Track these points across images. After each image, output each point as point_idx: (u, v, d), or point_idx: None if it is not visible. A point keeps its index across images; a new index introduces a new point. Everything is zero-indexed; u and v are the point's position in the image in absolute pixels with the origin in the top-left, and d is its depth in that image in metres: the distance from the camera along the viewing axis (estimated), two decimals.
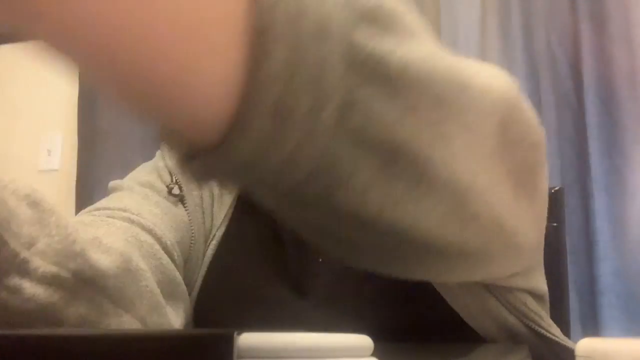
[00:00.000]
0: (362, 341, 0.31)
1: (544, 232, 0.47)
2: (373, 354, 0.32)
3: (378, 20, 0.28)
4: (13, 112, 2.20)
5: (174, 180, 0.64)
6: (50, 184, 2.10)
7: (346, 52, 0.27)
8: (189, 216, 0.63)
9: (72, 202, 1.99)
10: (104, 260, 0.46)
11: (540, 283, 0.57)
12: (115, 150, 1.96)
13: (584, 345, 0.40)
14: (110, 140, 1.98)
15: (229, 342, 0.26)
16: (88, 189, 1.96)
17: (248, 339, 0.26)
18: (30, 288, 0.41)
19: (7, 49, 2.25)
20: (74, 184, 2.01)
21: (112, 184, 0.62)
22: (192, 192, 0.65)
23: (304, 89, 0.25)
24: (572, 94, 1.56)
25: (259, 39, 0.24)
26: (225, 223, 0.65)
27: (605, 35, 1.52)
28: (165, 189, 0.63)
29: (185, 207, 0.63)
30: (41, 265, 0.42)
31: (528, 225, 0.41)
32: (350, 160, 0.28)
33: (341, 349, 0.30)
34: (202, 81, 0.25)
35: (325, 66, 0.26)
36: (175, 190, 0.63)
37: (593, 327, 1.41)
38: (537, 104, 1.55)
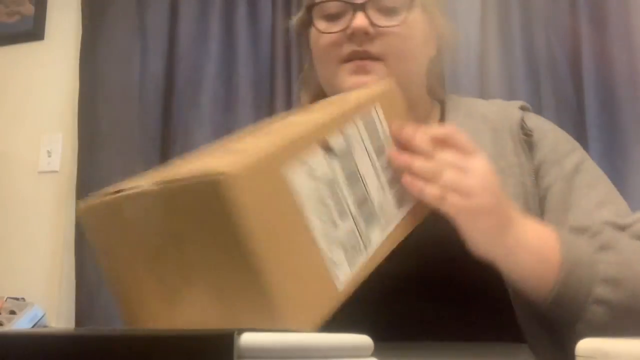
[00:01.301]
0: (362, 341, 0.31)
1: None
2: (373, 354, 0.32)
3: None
4: (13, 113, 2.20)
5: None
6: (51, 185, 2.10)
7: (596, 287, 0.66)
8: None
9: (72, 203, 2.00)
10: None
11: None
12: (116, 152, 1.96)
13: (584, 345, 0.40)
14: (111, 141, 1.98)
15: (229, 342, 0.26)
16: (88, 190, 1.94)
17: (248, 339, 0.26)
18: None
19: (7, 49, 2.25)
20: (74, 185, 2.01)
21: None
22: None
23: (579, 282, 0.65)
24: (572, 95, 1.56)
25: (562, 267, 0.65)
26: None
27: (605, 36, 1.52)
28: None
29: None
30: None
31: None
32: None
33: (341, 349, 0.30)
34: (532, 280, 0.66)
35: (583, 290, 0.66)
36: None
37: None
38: (537, 104, 1.55)
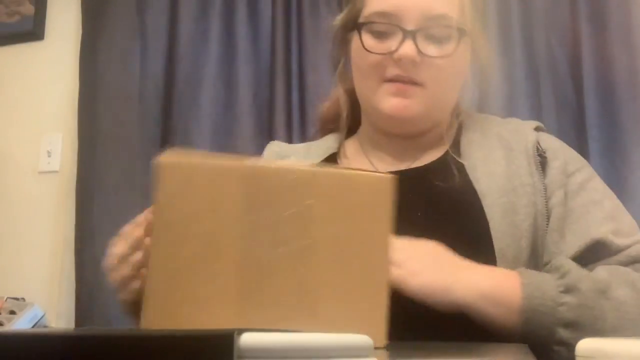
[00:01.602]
0: (362, 341, 0.31)
1: None
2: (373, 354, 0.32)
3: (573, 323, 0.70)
4: (13, 114, 2.20)
5: None
6: (50, 185, 2.09)
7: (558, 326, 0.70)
8: None
9: (72, 203, 1.99)
10: None
11: None
12: (116, 152, 1.96)
13: (584, 345, 0.40)
14: (111, 141, 1.98)
15: (229, 342, 0.26)
16: (88, 190, 1.96)
17: (248, 339, 0.26)
18: None
19: (7, 49, 2.25)
20: (74, 185, 2.01)
21: None
22: None
23: (541, 326, 0.70)
24: (572, 95, 1.55)
25: (522, 313, 0.70)
26: None
27: (605, 36, 1.52)
28: None
29: None
30: None
31: None
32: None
33: (341, 349, 0.30)
34: (497, 322, 0.71)
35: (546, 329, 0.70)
36: None
37: None
38: (537, 104, 1.55)
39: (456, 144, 0.90)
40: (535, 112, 1.53)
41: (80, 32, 2.08)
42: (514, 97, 1.54)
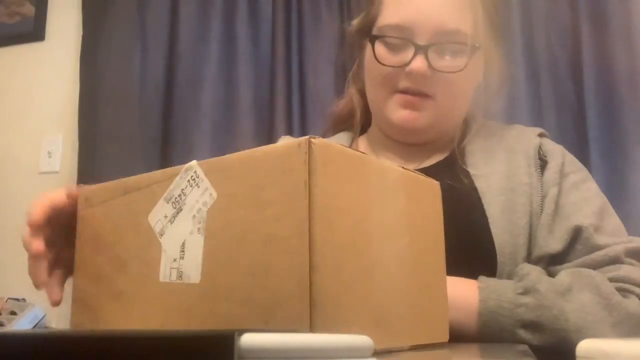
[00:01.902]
0: (363, 341, 0.31)
1: None
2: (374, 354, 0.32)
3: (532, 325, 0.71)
4: (14, 114, 2.20)
5: None
6: (51, 185, 2.09)
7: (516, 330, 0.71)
8: None
9: None
10: None
11: None
12: (116, 152, 1.96)
13: (584, 346, 0.40)
14: (111, 142, 1.98)
15: (229, 342, 0.26)
16: None
17: (249, 340, 0.26)
18: None
19: (8, 50, 2.25)
20: (74, 185, 2.01)
21: None
22: None
23: (500, 328, 0.72)
24: (572, 95, 1.55)
25: (480, 315, 0.72)
26: None
27: (605, 35, 1.52)
28: None
29: None
30: None
31: None
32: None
33: (341, 349, 0.30)
34: (463, 316, 0.71)
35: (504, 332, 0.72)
36: None
37: None
38: (537, 104, 1.55)
39: (460, 146, 0.92)
40: (536, 113, 1.53)
41: (80, 32, 2.08)
42: (515, 97, 1.54)
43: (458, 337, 0.68)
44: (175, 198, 0.49)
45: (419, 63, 0.82)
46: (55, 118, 2.12)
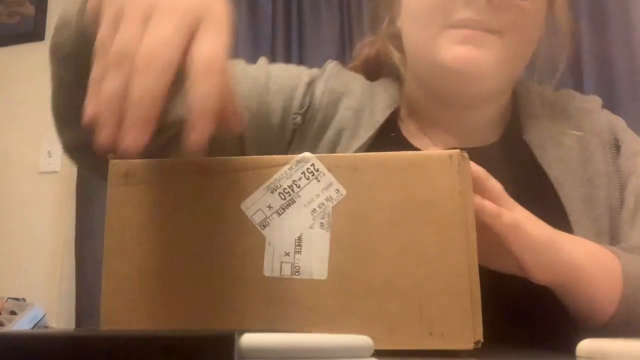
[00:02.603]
0: (363, 341, 0.31)
1: None
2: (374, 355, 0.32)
3: None
4: (14, 114, 2.20)
5: (303, 110, 0.72)
6: (51, 185, 2.10)
7: None
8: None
9: (73, 203, 1.99)
10: None
11: None
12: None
13: (584, 345, 0.40)
14: None
15: (229, 342, 0.26)
16: (88, 190, 1.96)
17: (249, 340, 0.26)
18: None
19: (8, 50, 2.25)
20: (74, 185, 2.01)
21: None
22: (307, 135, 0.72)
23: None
24: None
25: (624, 291, 0.56)
26: None
27: (605, 35, 1.52)
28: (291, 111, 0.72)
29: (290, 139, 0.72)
30: None
31: None
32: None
33: (342, 349, 0.30)
34: (600, 297, 0.57)
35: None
36: (298, 120, 0.72)
37: None
38: None
39: (514, 120, 0.76)
40: None
41: None
42: None
43: (581, 318, 0.58)
44: (285, 189, 0.47)
45: None
46: None
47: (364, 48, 0.85)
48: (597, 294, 0.57)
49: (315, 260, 0.45)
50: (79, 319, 1.90)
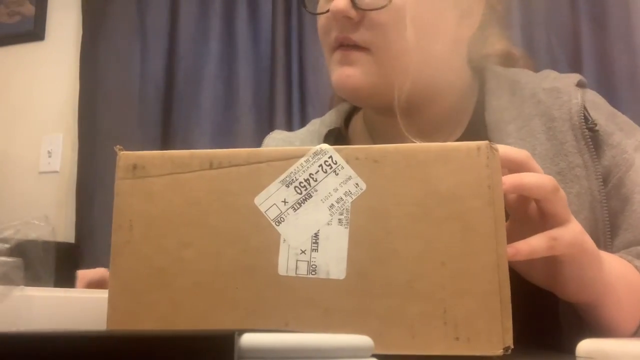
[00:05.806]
0: (363, 342, 0.31)
1: None
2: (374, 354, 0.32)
3: None
4: (14, 114, 2.20)
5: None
6: (51, 185, 2.09)
7: None
8: None
9: (73, 203, 1.99)
10: None
11: None
12: (116, 152, 1.95)
13: (584, 345, 0.40)
14: (111, 141, 1.97)
15: (229, 342, 0.26)
16: (88, 190, 1.96)
17: (249, 340, 0.26)
18: None
19: (8, 50, 2.25)
20: (74, 185, 2.01)
21: None
22: None
23: None
24: None
25: None
26: None
27: (605, 35, 1.52)
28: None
29: None
30: None
31: None
32: None
33: (341, 349, 0.30)
34: (624, 316, 0.55)
35: None
36: None
37: None
38: None
39: (479, 113, 0.73)
40: None
41: (80, 32, 2.09)
42: None
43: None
44: (301, 182, 0.44)
45: (338, 1, 0.65)
46: (55, 118, 2.12)
47: None
48: (622, 314, 0.54)
49: (332, 258, 0.42)
50: None
